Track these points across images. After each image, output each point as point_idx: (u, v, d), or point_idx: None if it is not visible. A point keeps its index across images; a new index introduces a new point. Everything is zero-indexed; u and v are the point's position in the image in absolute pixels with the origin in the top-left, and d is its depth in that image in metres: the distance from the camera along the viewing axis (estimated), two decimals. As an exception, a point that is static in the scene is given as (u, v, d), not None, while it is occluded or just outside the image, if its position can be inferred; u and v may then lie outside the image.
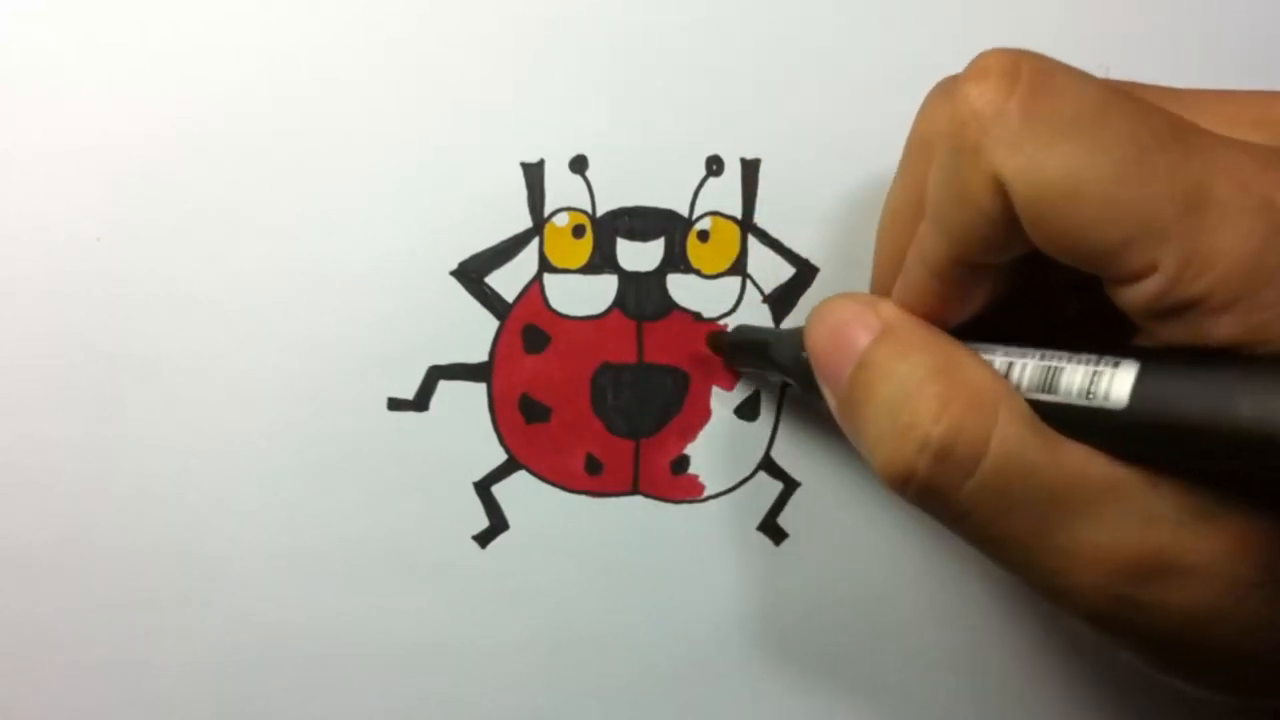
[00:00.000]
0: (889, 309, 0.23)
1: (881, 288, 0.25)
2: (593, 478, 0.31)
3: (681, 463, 0.31)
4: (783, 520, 0.31)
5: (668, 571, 0.31)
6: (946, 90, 0.21)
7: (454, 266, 0.30)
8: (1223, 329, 0.19)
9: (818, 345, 0.24)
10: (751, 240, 0.31)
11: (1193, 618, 0.20)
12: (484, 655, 0.31)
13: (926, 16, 0.30)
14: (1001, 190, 0.20)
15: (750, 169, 0.30)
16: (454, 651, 0.31)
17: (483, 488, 0.31)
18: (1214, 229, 0.19)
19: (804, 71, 0.30)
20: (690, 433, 0.31)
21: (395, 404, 0.30)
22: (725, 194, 0.30)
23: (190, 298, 0.30)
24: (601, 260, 0.30)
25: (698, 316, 0.31)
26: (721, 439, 0.31)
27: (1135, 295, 0.19)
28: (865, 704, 0.32)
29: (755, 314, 0.31)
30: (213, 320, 0.30)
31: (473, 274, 0.30)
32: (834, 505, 0.31)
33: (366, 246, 0.30)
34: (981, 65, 0.21)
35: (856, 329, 0.23)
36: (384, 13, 0.30)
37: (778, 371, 0.28)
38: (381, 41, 0.30)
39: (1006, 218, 0.20)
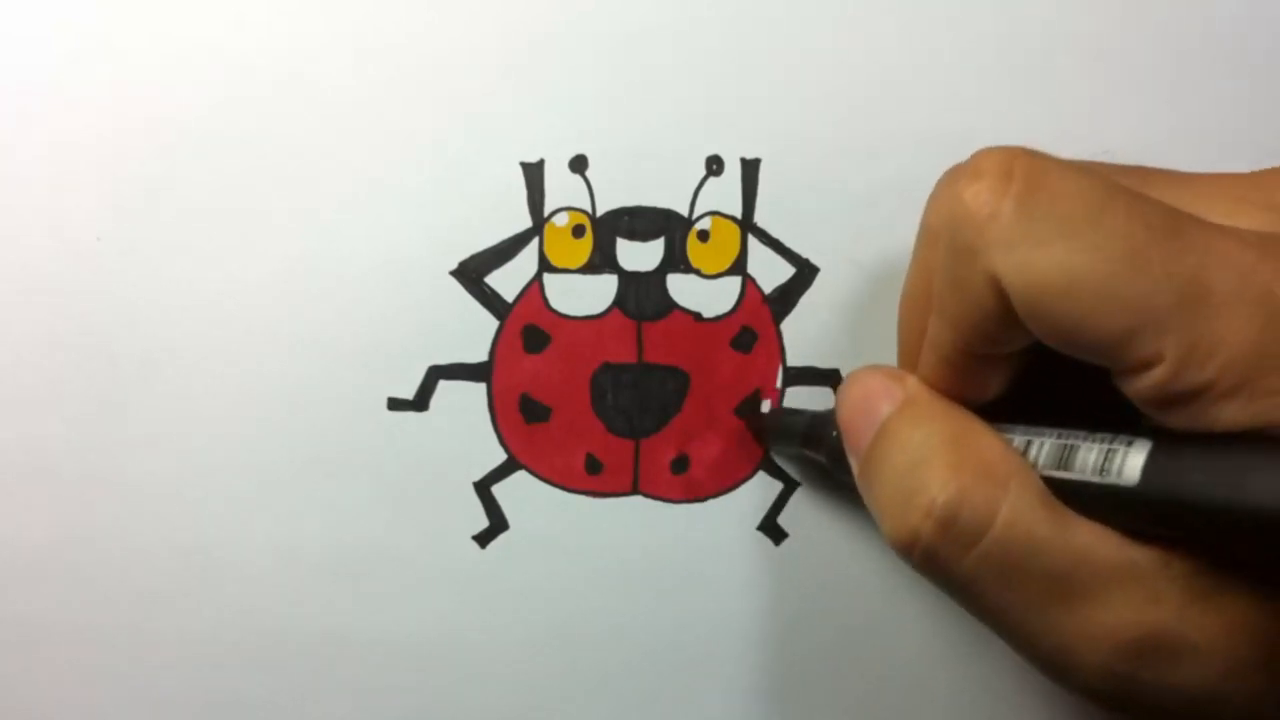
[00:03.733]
0: (914, 383, 0.24)
1: (906, 368, 0.25)
2: (593, 478, 0.31)
3: (681, 463, 0.31)
4: (783, 520, 0.31)
5: (668, 571, 0.31)
6: (949, 183, 0.22)
7: (454, 266, 0.30)
8: (1228, 415, 0.19)
9: (844, 415, 0.25)
10: (751, 240, 0.31)
11: (1193, 698, 0.20)
12: (484, 655, 0.31)
13: (927, 17, 0.30)
14: (1000, 288, 0.20)
15: (750, 169, 0.30)
16: (454, 651, 0.31)
17: (483, 488, 0.31)
18: (1214, 319, 0.19)
19: (804, 71, 0.30)
20: (690, 433, 0.31)
21: (395, 404, 0.30)
22: (725, 194, 0.30)
23: (190, 297, 0.30)
24: (601, 260, 0.30)
25: (698, 316, 0.31)
26: (721, 438, 0.31)
27: (1140, 385, 0.20)
28: (865, 703, 0.32)
29: (755, 314, 0.31)
30: (213, 320, 0.30)
31: (472, 274, 0.30)
32: (834, 505, 0.31)
33: (366, 246, 0.30)
34: (975, 166, 0.21)
35: (881, 399, 0.24)
36: (384, 13, 0.30)
37: (813, 453, 0.28)
38: (382, 42, 0.30)
39: (1006, 313, 0.21)
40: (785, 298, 0.31)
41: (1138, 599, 0.20)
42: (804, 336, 0.31)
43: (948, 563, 0.21)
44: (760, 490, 0.31)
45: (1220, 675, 0.20)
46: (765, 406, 0.31)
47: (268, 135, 0.30)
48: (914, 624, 0.32)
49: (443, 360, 0.30)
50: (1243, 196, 0.22)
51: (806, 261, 0.31)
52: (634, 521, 0.31)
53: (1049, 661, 0.21)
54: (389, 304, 0.30)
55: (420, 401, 0.30)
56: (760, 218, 0.30)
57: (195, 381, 0.30)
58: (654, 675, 0.31)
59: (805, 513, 0.31)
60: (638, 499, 0.31)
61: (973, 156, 0.21)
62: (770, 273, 0.31)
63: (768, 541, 0.31)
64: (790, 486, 0.31)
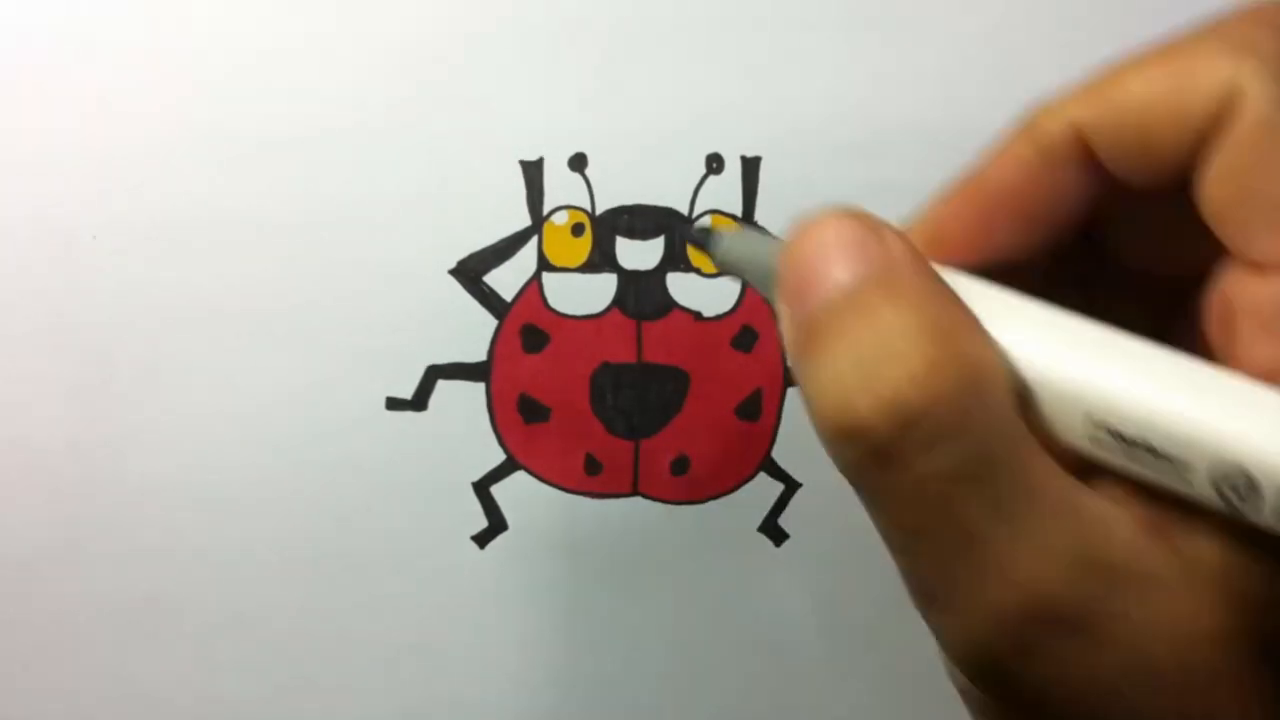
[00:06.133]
0: (898, 244, 0.19)
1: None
2: (592, 478, 0.31)
3: (681, 463, 0.31)
4: (783, 521, 0.31)
5: (668, 571, 0.31)
6: None
7: (453, 265, 0.30)
8: None
9: (793, 268, 0.19)
10: (752, 239, 0.30)
11: (1102, 677, 0.18)
12: (484, 655, 0.31)
13: (927, 18, 0.30)
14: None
15: (751, 167, 0.30)
16: (454, 651, 0.31)
17: (482, 488, 0.31)
18: None
19: (805, 71, 0.30)
20: (690, 433, 0.31)
21: (394, 404, 0.30)
22: (725, 192, 0.30)
23: (190, 298, 0.30)
24: (601, 259, 0.30)
25: (698, 315, 0.30)
26: (721, 439, 0.31)
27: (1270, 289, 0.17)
28: (865, 703, 0.32)
29: (756, 313, 0.30)
30: (212, 320, 0.30)
31: (471, 273, 0.30)
32: (834, 506, 0.31)
33: (366, 246, 0.30)
34: None
35: (849, 254, 0.19)
36: (384, 13, 0.29)
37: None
38: (381, 41, 0.30)
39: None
40: (786, 297, 0.31)
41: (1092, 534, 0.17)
42: (805, 336, 0.31)
43: (893, 467, 0.17)
44: (760, 491, 0.31)
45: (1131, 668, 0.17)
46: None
47: (265, 135, 0.29)
48: (914, 625, 0.31)
49: (441, 360, 0.30)
50: None
51: (807, 260, 0.30)
52: (634, 521, 0.31)
53: (953, 601, 0.18)
54: (388, 304, 0.30)
55: (419, 401, 0.30)
56: (761, 216, 0.30)
57: (194, 381, 0.30)
58: (654, 675, 0.31)
59: (806, 513, 0.31)
60: (638, 499, 0.31)
61: None
62: (771, 272, 0.30)
63: (768, 542, 0.31)
64: (791, 487, 0.31)
